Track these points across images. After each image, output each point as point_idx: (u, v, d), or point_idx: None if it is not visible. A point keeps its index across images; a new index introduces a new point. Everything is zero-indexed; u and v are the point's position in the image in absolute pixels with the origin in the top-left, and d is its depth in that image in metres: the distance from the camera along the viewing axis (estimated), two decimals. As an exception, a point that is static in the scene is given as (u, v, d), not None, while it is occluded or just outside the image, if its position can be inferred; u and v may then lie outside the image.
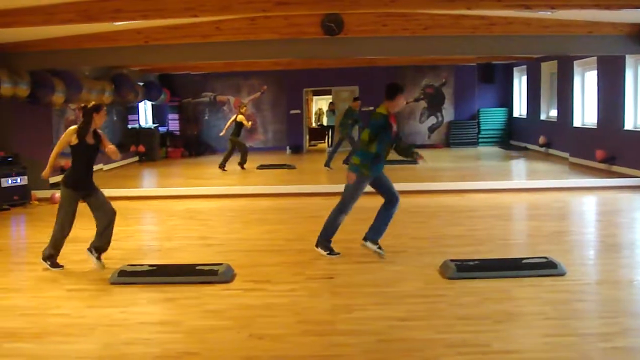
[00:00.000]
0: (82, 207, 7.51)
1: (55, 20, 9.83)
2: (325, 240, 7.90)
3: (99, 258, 7.48)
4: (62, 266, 7.55)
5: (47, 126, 15.26)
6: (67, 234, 7.54)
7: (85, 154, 7.44)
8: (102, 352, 5.02)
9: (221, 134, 18.95)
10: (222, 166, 17.51)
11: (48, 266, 7.49)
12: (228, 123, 18.37)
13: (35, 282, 7.08)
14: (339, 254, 7.85)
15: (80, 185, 7.43)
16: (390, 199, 7.76)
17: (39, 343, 5.20)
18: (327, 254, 7.84)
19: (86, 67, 16.12)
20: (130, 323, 5.66)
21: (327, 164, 17.32)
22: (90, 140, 7.44)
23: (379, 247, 7.72)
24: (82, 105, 8.04)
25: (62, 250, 7.69)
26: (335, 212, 7.85)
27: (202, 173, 17.77)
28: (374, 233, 7.74)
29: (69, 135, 7.39)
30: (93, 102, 7.89)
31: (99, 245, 7.50)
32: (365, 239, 7.75)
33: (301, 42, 12.69)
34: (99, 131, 7.61)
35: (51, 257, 7.53)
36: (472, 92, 23.73)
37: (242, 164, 17.71)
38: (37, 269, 7.58)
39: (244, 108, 17.98)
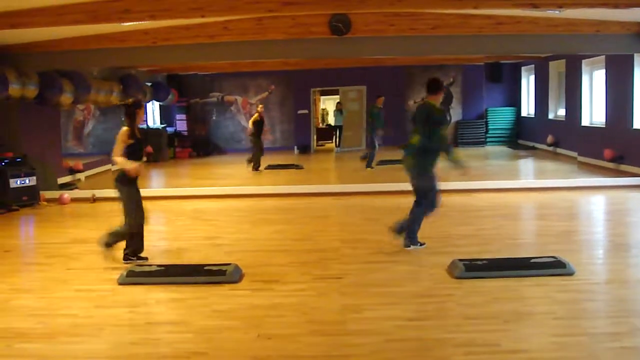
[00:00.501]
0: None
1: (64, 21, 9.84)
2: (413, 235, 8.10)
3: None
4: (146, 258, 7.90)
5: (55, 127, 15.34)
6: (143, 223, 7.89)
7: (138, 150, 7.73)
8: (111, 352, 5.03)
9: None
10: (255, 168, 17.55)
11: (133, 260, 7.77)
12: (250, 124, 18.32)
13: (44, 282, 7.10)
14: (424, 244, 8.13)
15: (135, 179, 7.77)
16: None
17: (48, 343, 5.21)
18: (419, 245, 8.09)
19: (94, 67, 16.14)
20: (138, 323, 5.67)
21: (369, 165, 17.05)
22: (138, 135, 7.73)
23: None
24: (123, 102, 8.15)
25: (71, 251, 7.70)
26: (421, 208, 8.03)
27: (210, 173, 17.80)
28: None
29: (124, 136, 7.58)
30: (131, 99, 8.07)
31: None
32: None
33: (308, 42, 12.69)
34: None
35: (135, 252, 7.85)
36: (479, 92, 23.71)
37: (250, 161, 17.76)
38: (46, 269, 7.62)
39: (260, 106, 18.04)
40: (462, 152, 20.92)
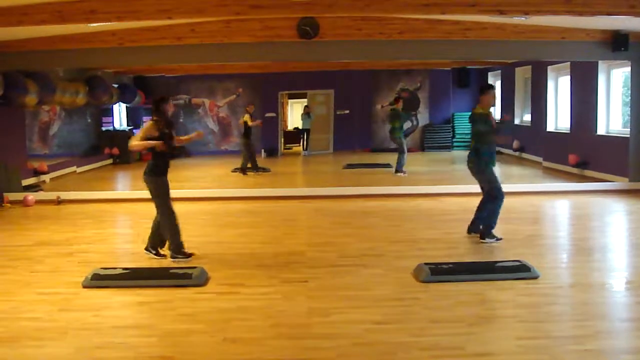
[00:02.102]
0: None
1: (29, 21, 9.73)
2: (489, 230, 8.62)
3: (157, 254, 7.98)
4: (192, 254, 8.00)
5: (19, 128, 15.13)
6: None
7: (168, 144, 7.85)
8: (75, 356, 4.97)
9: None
10: (256, 169, 17.14)
11: (181, 259, 7.84)
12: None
13: (7, 285, 6.99)
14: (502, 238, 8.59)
15: (167, 170, 8.02)
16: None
17: (11, 347, 5.14)
18: (495, 240, 8.56)
19: (60, 68, 15.99)
20: (103, 327, 5.61)
21: (399, 169, 16.23)
22: (166, 130, 7.90)
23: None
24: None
25: (35, 253, 7.60)
26: (492, 202, 8.66)
27: (176, 176, 17.56)
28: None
29: (151, 129, 7.78)
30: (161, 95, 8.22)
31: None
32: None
33: (276, 46, 12.69)
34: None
35: (180, 248, 7.92)
36: (447, 97, 23.88)
37: (241, 169, 17.17)
38: (9, 272, 7.50)
39: (251, 107, 17.30)
40: (428, 156, 21.08)
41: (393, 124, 16.42)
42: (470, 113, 8.82)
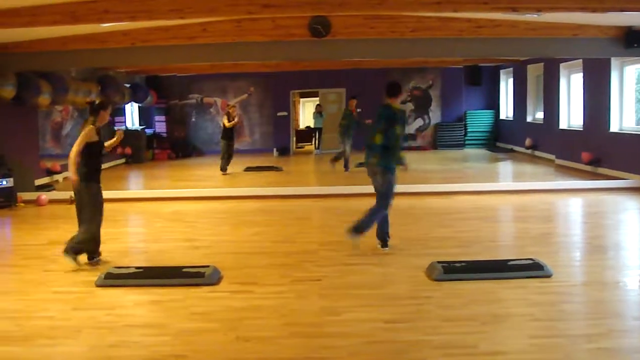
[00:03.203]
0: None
1: (41, 22, 9.78)
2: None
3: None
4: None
5: (33, 128, 15.21)
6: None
7: (100, 150, 7.65)
8: (89, 354, 5.00)
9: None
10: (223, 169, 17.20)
11: (70, 259, 7.48)
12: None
13: (21, 284, 7.04)
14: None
15: (99, 176, 7.65)
16: None
17: (26, 346, 5.17)
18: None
19: (72, 68, 16.05)
20: (116, 326, 5.63)
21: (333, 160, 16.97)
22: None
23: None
24: (90, 101, 8.06)
25: (48, 253, 7.62)
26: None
27: (189, 175, 17.74)
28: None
29: (90, 134, 7.45)
30: (99, 99, 7.99)
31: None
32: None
33: (288, 44, 12.69)
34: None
35: (80, 252, 7.59)
36: (459, 95, 23.82)
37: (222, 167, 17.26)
38: (23, 271, 7.55)
39: (232, 108, 17.53)
40: (440, 155, 21.05)
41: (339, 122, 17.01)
42: (389, 108, 8.11)
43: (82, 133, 7.44)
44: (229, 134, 17.24)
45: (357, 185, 13.60)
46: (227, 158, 17.18)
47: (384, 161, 7.88)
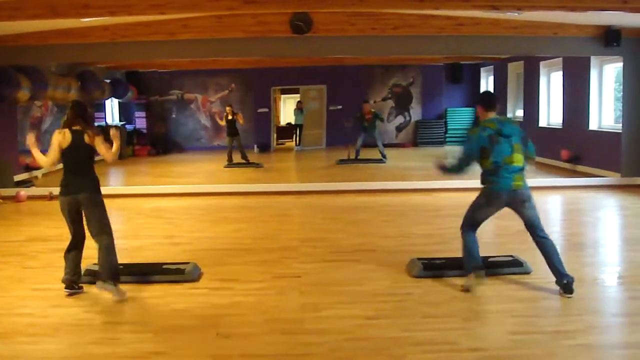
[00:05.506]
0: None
1: (22, 16, 9.69)
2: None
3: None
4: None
5: (11, 123, 15.07)
6: None
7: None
8: (68, 352, 4.96)
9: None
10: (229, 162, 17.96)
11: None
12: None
13: (0, 281, 6.98)
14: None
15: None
16: None
17: (4, 343, 5.12)
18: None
19: (52, 63, 15.92)
20: (96, 323, 5.61)
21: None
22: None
23: None
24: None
25: (27, 249, 7.56)
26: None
27: (169, 171, 17.67)
28: None
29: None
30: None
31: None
32: None
33: (269, 41, 12.66)
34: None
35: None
36: (439, 92, 23.89)
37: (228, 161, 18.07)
38: (2, 268, 7.48)
39: (227, 108, 18.44)
40: (420, 152, 21.10)
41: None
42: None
43: (98, 139, 6.92)
44: (232, 130, 18.03)
45: (337, 182, 13.65)
46: (241, 150, 18.09)
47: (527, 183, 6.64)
